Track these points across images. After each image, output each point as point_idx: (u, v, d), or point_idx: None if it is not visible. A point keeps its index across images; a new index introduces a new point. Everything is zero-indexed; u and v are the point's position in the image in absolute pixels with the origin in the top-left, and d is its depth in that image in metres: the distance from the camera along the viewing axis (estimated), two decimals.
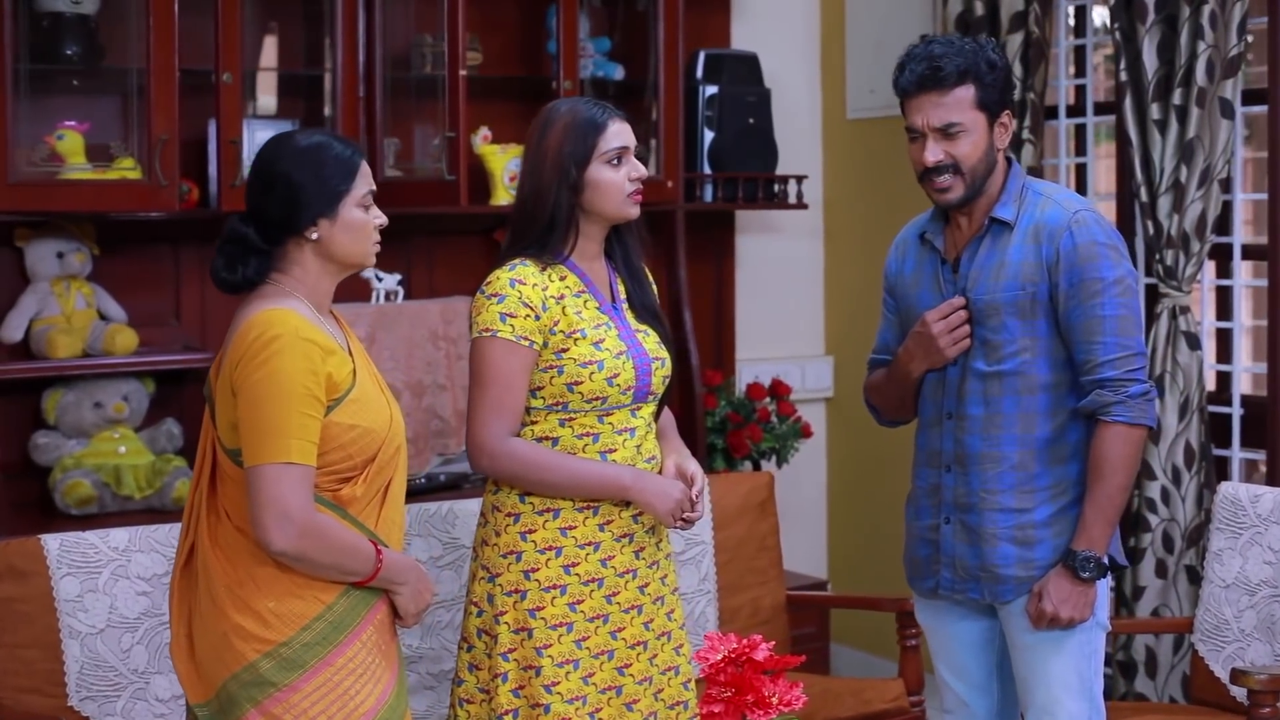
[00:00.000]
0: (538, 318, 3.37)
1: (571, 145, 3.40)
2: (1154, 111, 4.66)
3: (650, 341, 3.52)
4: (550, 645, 3.39)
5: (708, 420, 5.35)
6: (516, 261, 3.42)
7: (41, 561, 3.71)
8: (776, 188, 5.54)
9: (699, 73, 5.42)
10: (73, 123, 4.42)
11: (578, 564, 3.42)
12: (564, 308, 3.40)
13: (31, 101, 4.43)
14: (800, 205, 5.55)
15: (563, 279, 3.44)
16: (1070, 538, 3.39)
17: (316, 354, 2.91)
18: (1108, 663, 5.02)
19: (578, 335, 3.40)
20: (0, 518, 4.37)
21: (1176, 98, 4.60)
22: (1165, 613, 4.70)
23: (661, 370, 3.52)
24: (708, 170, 5.40)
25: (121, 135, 4.49)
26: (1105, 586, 3.46)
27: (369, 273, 4.74)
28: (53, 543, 3.73)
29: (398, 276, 4.80)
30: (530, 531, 3.42)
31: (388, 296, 4.78)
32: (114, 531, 3.81)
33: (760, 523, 4.54)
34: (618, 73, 5.23)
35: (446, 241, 5.13)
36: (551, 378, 3.39)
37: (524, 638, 3.39)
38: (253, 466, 2.87)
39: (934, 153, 3.39)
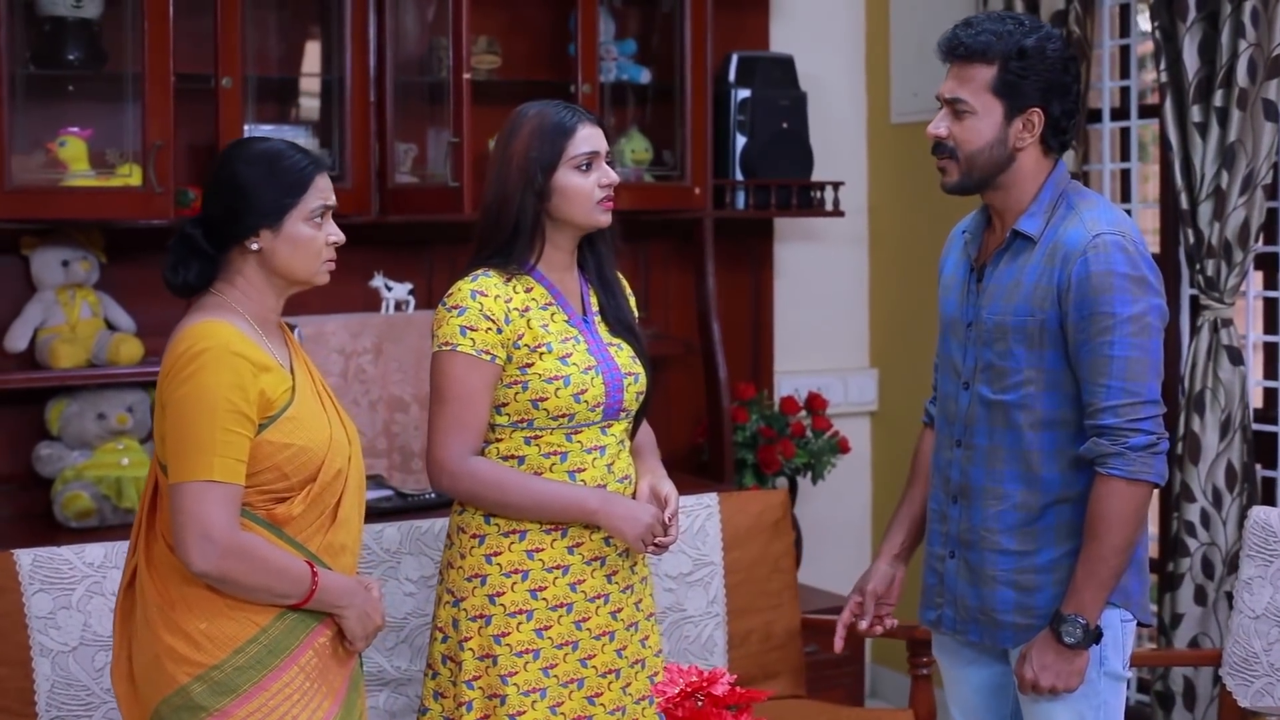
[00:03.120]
0: (500, 331, 3.24)
1: (538, 150, 3.27)
2: (1195, 114, 4.42)
3: (623, 356, 3.37)
4: (516, 673, 3.25)
5: (738, 435, 5.18)
6: (479, 272, 3.30)
7: (13, 577, 3.62)
8: (814, 194, 5.35)
9: (731, 76, 5.26)
10: (75, 129, 4.35)
11: (545, 588, 3.29)
12: (529, 320, 3.26)
13: (34, 107, 4.37)
14: (837, 213, 5.36)
15: (528, 290, 3.30)
16: None
17: (246, 369, 2.80)
18: (1146, 690, 4.80)
19: (543, 349, 3.26)
20: (1, 530, 4.31)
21: (1218, 99, 4.37)
22: (1204, 642, 4.46)
23: (635, 386, 3.37)
24: (740, 176, 5.22)
25: (127, 141, 4.40)
26: (1126, 632, 3.17)
27: (378, 281, 4.63)
28: (25, 558, 3.65)
29: (408, 286, 4.68)
30: (495, 554, 3.29)
31: (398, 306, 4.66)
32: (89, 547, 3.72)
33: (774, 543, 4.36)
34: (643, 76, 5.08)
35: (467, 249, 4.99)
36: (516, 393, 3.26)
37: (489, 665, 3.27)
38: (175, 484, 2.78)
39: (937, 125, 3.14)
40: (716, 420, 5.07)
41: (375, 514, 4.29)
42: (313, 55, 4.79)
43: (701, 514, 4.27)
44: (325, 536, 2.92)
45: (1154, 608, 4.75)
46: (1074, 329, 3.05)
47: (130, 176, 4.30)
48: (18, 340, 4.47)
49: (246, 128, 4.43)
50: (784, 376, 5.66)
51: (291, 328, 4.29)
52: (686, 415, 5.40)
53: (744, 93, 5.21)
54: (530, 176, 3.26)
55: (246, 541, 2.80)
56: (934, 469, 3.34)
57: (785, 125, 5.24)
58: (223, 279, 2.93)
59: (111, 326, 4.59)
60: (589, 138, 3.31)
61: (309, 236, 2.92)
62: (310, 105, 4.80)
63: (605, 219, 3.34)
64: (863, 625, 3.42)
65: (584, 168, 3.29)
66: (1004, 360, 3.14)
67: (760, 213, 5.25)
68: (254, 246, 2.90)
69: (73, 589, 3.66)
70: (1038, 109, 3.10)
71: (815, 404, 5.38)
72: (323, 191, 2.93)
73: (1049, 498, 3.12)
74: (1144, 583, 3.18)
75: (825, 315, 5.77)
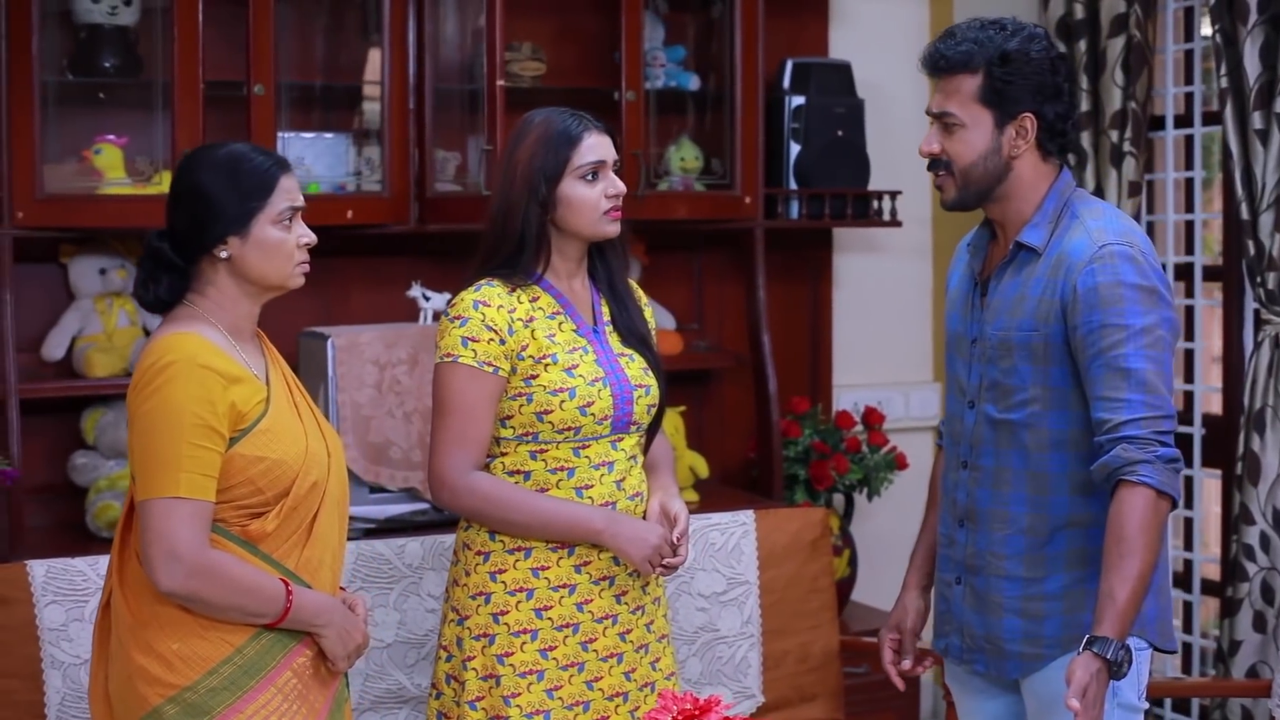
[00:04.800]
0: (503, 342, 3.16)
1: (542, 159, 3.19)
2: (1256, 120, 4.24)
3: (634, 368, 3.28)
4: (519, 694, 3.17)
5: (790, 450, 5.05)
6: (483, 282, 3.23)
7: (26, 589, 3.59)
8: (875, 204, 5.21)
9: (786, 83, 5.13)
10: (111, 136, 4.32)
11: (550, 607, 3.20)
12: (533, 331, 3.18)
13: (71, 114, 4.35)
14: (894, 223, 5.21)
15: (534, 300, 3.22)
16: (1085, 614, 2.90)
17: (215, 382, 2.73)
18: (1206, 718, 4.63)
19: (548, 360, 3.17)
20: (36, 540, 4.28)
21: (1279, 105, 4.19)
22: (1264, 670, 4.27)
23: (646, 399, 3.28)
24: (793, 185, 5.09)
25: (158, 149, 4.36)
26: (1141, 660, 2.99)
27: (415, 291, 4.55)
28: (39, 569, 3.61)
29: (447, 296, 4.58)
30: (500, 571, 3.21)
31: (436, 316, 4.59)
32: (104, 559, 3.65)
33: (812, 562, 4.23)
34: (692, 83, 4.97)
35: None
36: (520, 406, 3.17)
37: (492, 685, 3.19)
38: (142, 501, 2.72)
39: (929, 142, 3.04)
40: (766, 435, 4.95)
41: (411, 528, 4.23)
42: (351, 62, 4.71)
43: (737, 531, 4.15)
44: (302, 552, 2.84)
45: (1215, 632, 4.58)
46: (1082, 343, 2.90)
47: (162, 185, 4.25)
48: (55, 349, 4.45)
49: (280, 135, 4.38)
50: (843, 390, 5.53)
51: (324, 338, 4.28)
52: (740, 429, 5.28)
53: (798, 100, 5.07)
54: (534, 186, 3.18)
55: (215, 560, 2.72)
56: (942, 491, 3.21)
57: (841, 133, 5.11)
58: (195, 290, 2.87)
59: (149, 335, 4.54)
60: (594, 146, 3.22)
61: (278, 240, 2.84)
62: (348, 113, 4.72)
63: (612, 229, 3.25)
64: (905, 665, 3.30)
65: (589, 177, 3.21)
66: (1009, 378, 3.00)
67: (813, 223, 5.11)
68: (223, 255, 2.83)
69: (86, 601, 3.62)
70: (1029, 114, 2.98)
71: (872, 418, 5.24)
72: (289, 192, 2.86)
73: (1057, 522, 2.98)
74: (1163, 607, 3.02)
75: (887, 327, 5.62)
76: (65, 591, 3.61)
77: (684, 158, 4.96)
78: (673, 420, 4.89)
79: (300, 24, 4.63)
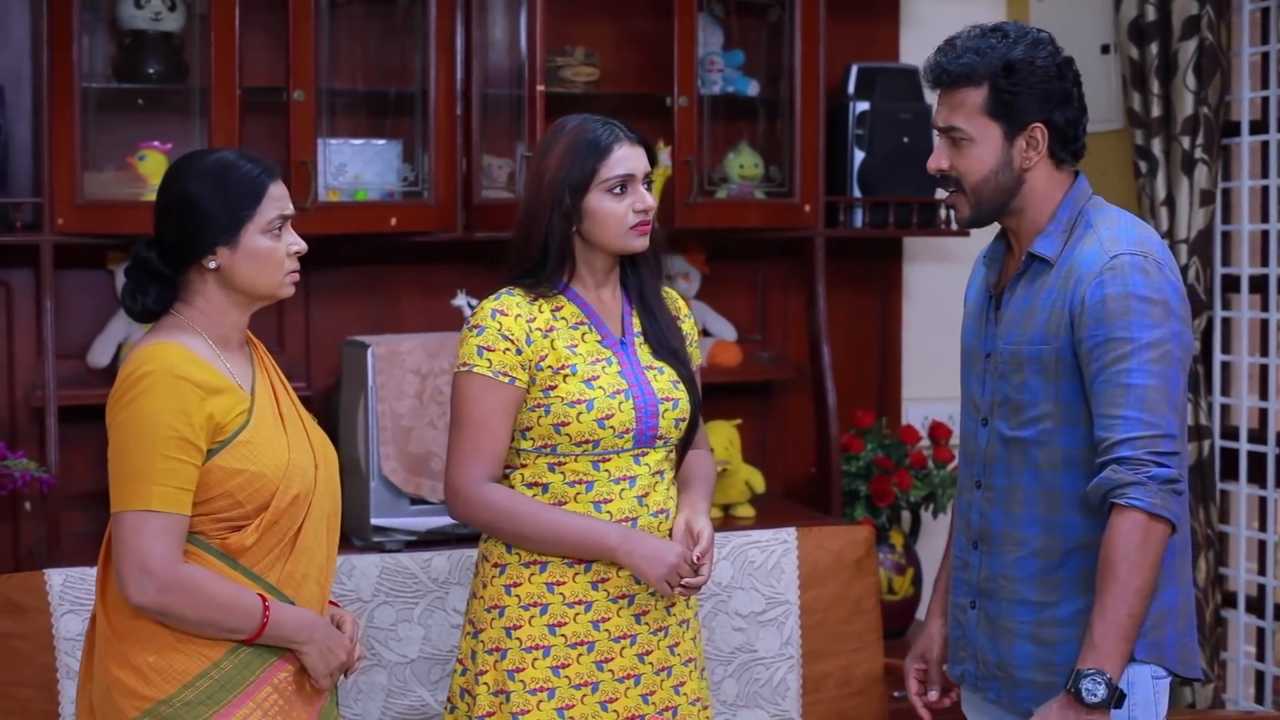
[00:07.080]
0: (519, 352, 3.07)
1: (568, 170, 3.10)
2: None
3: (662, 381, 3.17)
4: (528, 711, 3.09)
5: (851, 465, 4.91)
6: (504, 291, 3.16)
7: (43, 597, 3.55)
8: (941, 213, 5.06)
9: (850, 88, 4.99)
10: (156, 143, 4.30)
11: (564, 624, 3.11)
12: (553, 341, 3.09)
13: (116, 121, 4.33)
14: (962, 232, 5.06)
15: (558, 310, 3.13)
16: None
17: (191, 394, 2.66)
18: None
19: (567, 371, 3.08)
20: (76, 547, 4.25)
21: None
22: None
23: (673, 413, 3.16)
24: (857, 193, 4.96)
25: None
26: (1159, 689, 2.85)
27: (460, 300, 4.47)
28: (56, 578, 3.58)
29: None
30: (515, 585, 3.13)
31: None
32: None
33: (856, 582, 4.08)
34: (751, 88, 4.86)
35: None
36: (539, 417, 3.09)
37: (502, 701, 3.11)
38: (115, 513, 2.67)
39: (937, 158, 2.92)
40: (825, 449, 4.82)
41: (453, 541, 4.15)
42: (402, 69, 4.65)
43: (777, 549, 4.02)
44: (285, 566, 2.76)
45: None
46: (1087, 357, 2.76)
47: None
48: (100, 356, 4.44)
49: (325, 142, 4.33)
50: (913, 404, 5.37)
51: (365, 347, 4.22)
52: (803, 442, 5.15)
53: (862, 105, 4.94)
54: (559, 197, 3.09)
55: (187, 574, 2.66)
56: (956, 512, 3.08)
57: (906, 140, 4.96)
58: (182, 300, 2.80)
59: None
60: (624, 159, 3.12)
61: (268, 249, 2.77)
62: (393, 119, 4.65)
63: (639, 244, 3.15)
64: (932, 696, 3.19)
65: (617, 190, 3.10)
66: (1020, 393, 2.87)
67: (876, 231, 4.98)
68: (212, 265, 2.76)
69: None
70: (1039, 124, 2.85)
71: (938, 433, 5.08)
72: (278, 200, 2.78)
73: (1070, 544, 2.84)
74: (1183, 634, 2.87)
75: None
76: (82, 601, 3.56)
77: (743, 165, 4.85)
78: (726, 433, 4.78)
79: (351, 30, 4.57)
